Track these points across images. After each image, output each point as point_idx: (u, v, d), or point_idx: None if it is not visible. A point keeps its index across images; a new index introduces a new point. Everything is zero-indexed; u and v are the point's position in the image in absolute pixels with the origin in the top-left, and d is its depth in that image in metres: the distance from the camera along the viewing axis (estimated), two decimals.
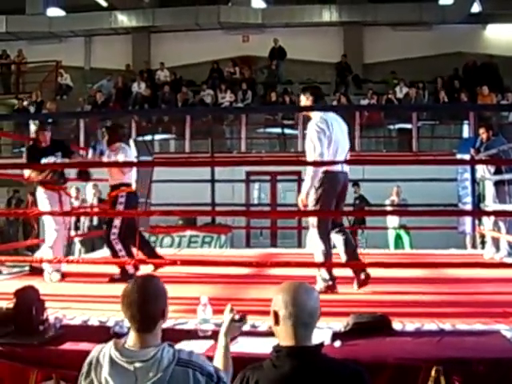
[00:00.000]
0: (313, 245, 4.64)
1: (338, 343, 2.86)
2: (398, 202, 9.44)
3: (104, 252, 6.45)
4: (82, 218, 8.91)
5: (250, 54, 16.70)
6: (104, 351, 2.04)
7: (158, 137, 14.22)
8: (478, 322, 3.33)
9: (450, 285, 4.72)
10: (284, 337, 1.95)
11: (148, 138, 12.80)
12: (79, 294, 4.37)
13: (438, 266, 5.47)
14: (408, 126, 13.14)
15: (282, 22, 16.70)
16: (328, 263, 4.45)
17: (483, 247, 7.44)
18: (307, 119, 4.71)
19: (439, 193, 8.04)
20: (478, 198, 7.35)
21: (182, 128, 13.58)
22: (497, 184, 6.55)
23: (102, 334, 3.02)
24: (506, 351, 2.83)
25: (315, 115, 4.50)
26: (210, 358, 2.21)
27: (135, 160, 5.54)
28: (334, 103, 12.58)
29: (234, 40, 16.94)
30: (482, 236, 7.63)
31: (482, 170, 6.98)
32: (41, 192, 5.33)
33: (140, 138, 11.40)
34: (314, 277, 4.39)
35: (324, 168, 4.41)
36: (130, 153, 5.67)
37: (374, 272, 4.45)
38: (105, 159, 5.35)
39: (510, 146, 6.55)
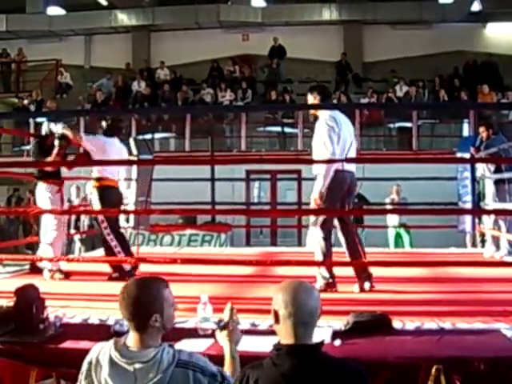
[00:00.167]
0: (313, 243, 4.63)
1: (338, 342, 2.86)
2: (398, 200, 9.41)
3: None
4: (82, 217, 8.90)
5: (250, 52, 16.68)
6: (104, 351, 2.04)
7: (158, 135, 14.19)
8: (478, 321, 3.33)
9: (450, 283, 4.71)
10: (284, 335, 1.95)
11: (148, 136, 12.74)
12: (79, 292, 4.36)
13: (438, 264, 5.46)
14: (408, 124, 13.09)
15: (281, 20, 16.69)
16: (328, 262, 4.45)
17: (483, 246, 7.43)
18: (315, 119, 4.68)
19: (439, 191, 8.02)
20: (478, 197, 7.33)
21: (182, 126, 13.56)
22: (497, 183, 6.54)
23: (102, 332, 3.02)
24: (506, 350, 2.83)
25: (323, 114, 4.46)
26: (211, 357, 2.20)
27: (116, 154, 5.43)
28: (334, 102, 12.55)
29: (233, 39, 16.92)
30: (482, 235, 7.62)
31: (482, 169, 6.96)
32: (42, 187, 5.32)
33: (140, 137, 11.36)
34: (315, 276, 4.39)
35: (335, 166, 4.37)
36: (108, 146, 5.36)
37: (373, 271, 4.45)
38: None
39: (510, 145, 6.55)
